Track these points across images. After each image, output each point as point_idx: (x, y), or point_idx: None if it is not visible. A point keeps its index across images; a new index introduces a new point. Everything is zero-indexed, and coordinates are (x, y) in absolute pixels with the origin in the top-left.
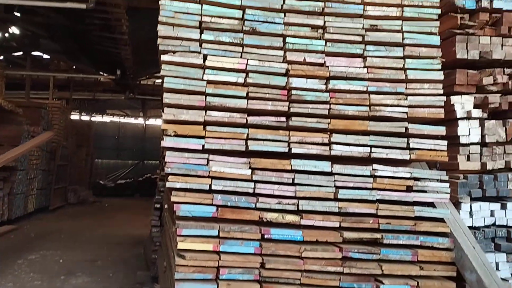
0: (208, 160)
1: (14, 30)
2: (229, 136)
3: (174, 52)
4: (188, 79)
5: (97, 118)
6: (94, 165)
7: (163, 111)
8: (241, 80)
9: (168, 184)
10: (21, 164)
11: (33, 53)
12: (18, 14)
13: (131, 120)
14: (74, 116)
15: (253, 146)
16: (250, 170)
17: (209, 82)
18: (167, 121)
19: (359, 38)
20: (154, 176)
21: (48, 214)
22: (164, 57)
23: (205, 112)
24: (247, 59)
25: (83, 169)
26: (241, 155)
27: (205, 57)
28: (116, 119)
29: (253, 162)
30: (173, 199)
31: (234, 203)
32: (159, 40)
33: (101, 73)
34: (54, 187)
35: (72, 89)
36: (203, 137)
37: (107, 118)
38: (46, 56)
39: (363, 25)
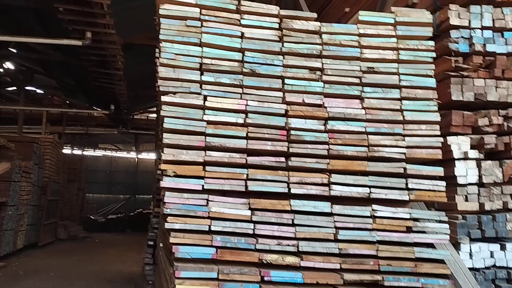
0: (207, 200)
1: (9, 65)
2: (229, 177)
3: (174, 93)
4: (188, 120)
5: (89, 152)
6: (85, 200)
7: (157, 148)
8: (241, 121)
9: (167, 225)
10: (11, 200)
11: (27, 87)
12: (13, 50)
13: (123, 154)
14: (66, 151)
15: (253, 186)
16: (249, 211)
17: (209, 122)
18: (167, 162)
19: (357, 80)
20: (146, 211)
21: (38, 250)
22: (164, 98)
23: (205, 153)
24: (247, 100)
25: (73, 204)
26: (241, 196)
27: (205, 98)
28: (108, 153)
29: (253, 203)
30: (172, 240)
31: (234, 245)
32: (159, 82)
33: (95, 108)
34: (44, 222)
35: (65, 124)
36: (202, 177)
37: (99, 153)
38: (39, 91)
39: (360, 67)
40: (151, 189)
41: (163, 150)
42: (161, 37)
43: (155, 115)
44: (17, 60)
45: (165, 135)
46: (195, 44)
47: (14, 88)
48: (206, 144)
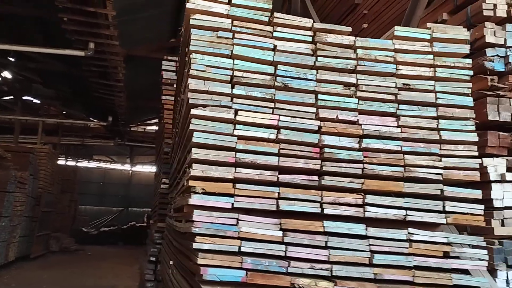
0: (237, 220)
1: (6, 74)
2: (259, 195)
3: (204, 106)
4: (218, 134)
5: (83, 163)
6: (77, 212)
7: (158, 162)
8: (272, 136)
9: (195, 245)
10: (5, 211)
11: (24, 97)
12: (11, 59)
13: (117, 166)
14: (60, 161)
15: (284, 205)
16: (281, 232)
17: (239, 137)
18: (195, 178)
19: (392, 97)
20: (139, 224)
21: (30, 262)
22: (194, 111)
23: (235, 169)
24: (279, 115)
25: (66, 215)
26: (272, 215)
27: (236, 112)
28: (102, 165)
29: (284, 223)
30: (200, 261)
31: (265, 267)
32: (189, 94)
33: (92, 119)
34: (36, 234)
35: (61, 134)
36: (232, 195)
37: (93, 164)
38: (36, 100)
39: (396, 84)
40: (145, 202)
41: (191, 165)
42: (191, 48)
43: (152, 127)
44: (15, 70)
45: (193, 150)
46: (226, 56)
47: (11, 97)
48: (236, 160)
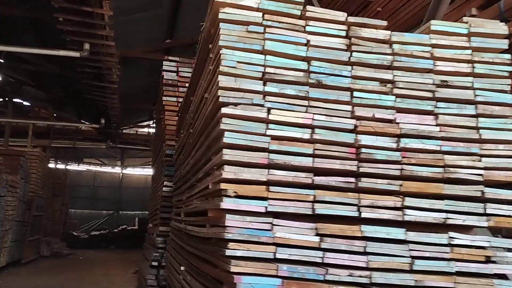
0: (272, 224)
1: None
2: (294, 198)
3: (235, 104)
4: (250, 134)
5: (73, 166)
6: (68, 216)
7: (154, 164)
8: (306, 136)
9: (228, 252)
10: None
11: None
12: (1, 61)
13: (107, 169)
14: (50, 165)
15: (320, 209)
16: (317, 237)
17: (272, 137)
18: (227, 180)
19: (430, 94)
20: (130, 227)
21: (21, 268)
22: (224, 110)
23: (268, 171)
24: (313, 114)
25: (57, 219)
26: (306, 219)
27: (268, 111)
28: (92, 168)
29: (320, 228)
30: (233, 269)
31: (301, 275)
32: (219, 92)
33: (83, 121)
34: (28, 238)
35: (52, 137)
36: (266, 199)
37: (83, 167)
38: (26, 103)
39: (433, 80)
40: (136, 205)
41: (221, 167)
42: (221, 43)
43: (144, 129)
44: (6, 72)
45: (224, 151)
46: (257, 52)
47: (1, 99)
48: (269, 162)
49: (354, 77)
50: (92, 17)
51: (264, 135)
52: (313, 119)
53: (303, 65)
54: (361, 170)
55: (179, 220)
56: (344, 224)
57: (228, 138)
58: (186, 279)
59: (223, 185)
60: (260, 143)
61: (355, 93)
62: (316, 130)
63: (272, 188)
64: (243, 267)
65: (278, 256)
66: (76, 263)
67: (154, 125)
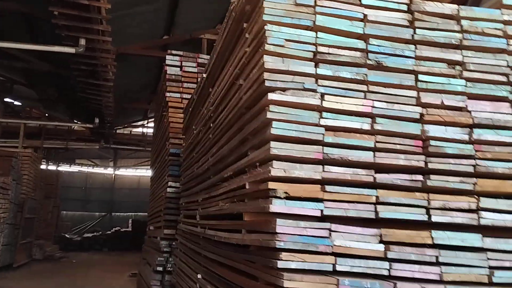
0: (330, 231)
1: None
2: (354, 199)
3: (284, 89)
4: (302, 124)
5: (65, 167)
6: (59, 218)
7: (153, 165)
8: (366, 127)
9: (280, 264)
10: None
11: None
12: None
13: (100, 170)
14: (42, 166)
15: (385, 212)
16: (382, 245)
17: (327, 128)
18: (276, 179)
19: (504, 78)
20: (124, 229)
21: (13, 272)
22: (272, 96)
23: (323, 167)
24: (373, 100)
25: (49, 222)
26: (367, 224)
27: (322, 97)
28: (84, 169)
29: (385, 234)
30: (287, 284)
31: None
32: (265, 75)
33: (76, 121)
34: (20, 242)
35: (43, 137)
36: (321, 200)
37: (74, 168)
38: (17, 102)
39: (508, 62)
40: (129, 206)
41: (266, 163)
42: (264, 17)
43: (138, 129)
44: None
45: (272, 143)
46: (307, 28)
47: None
48: (323, 157)
49: (418, 58)
50: (88, 11)
51: (318, 125)
52: (373, 107)
53: (360, 43)
54: (430, 166)
55: (193, 223)
56: (411, 230)
57: (276, 129)
58: None
59: (272, 185)
60: (313, 134)
61: (420, 77)
62: (377, 120)
63: (328, 188)
64: (298, 282)
65: (338, 268)
66: (69, 266)
67: (149, 124)
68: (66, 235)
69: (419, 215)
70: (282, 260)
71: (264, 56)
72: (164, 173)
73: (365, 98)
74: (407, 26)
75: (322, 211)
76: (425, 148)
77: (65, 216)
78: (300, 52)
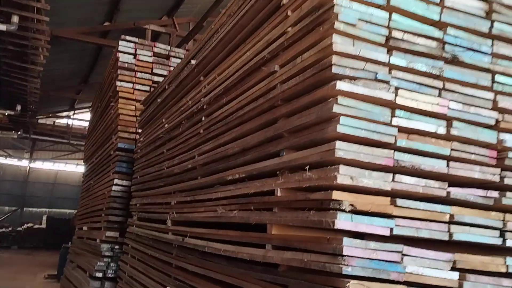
0: (402, 254)
1: None
2: (426, 217)
3: (354, 78)
4: (372, 123)
5: None
6: None
7: (86, 160)
8: (442, 131)
9: None
10: None
11: None
12: None
13: (12, 161)
14: None
15: (459, 234)
16: (457, 273)
17: (400, 129)
18: (341, 187)
19: None
20: (37, 226)
21: None
22: (340, 85)
23: (393, 176)
24: (449, 100)
25: None
26: (438, 248)
27: (396, 91)
28: None
29: (459, 260)
30: None
31: None
32: (334, 58)
33: None
34: None
35: None
36: (391, 216)
37: None
38: None
39: None
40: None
41: (330, 168)
42: None
43: (63, 120)
44: None
45: (338, 144)
46: (379, 7)
47: None
48: (394, 164)
49: (495, 55)
50: None
51: (390, 125)
52: (448, 108)
53: (436, 32)
54: (506, 181)
55: (158, 228)
56: (484, 255)
57: (343, 127)
58: None
59: (336, 195)
60: (385, 136)
61: (497, 77)
62: (454, 123)
63: (399, 202)
64: None
65: None
66: None
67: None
68: None
69: (493, 238)
70: None
71: (334, 35)
72: (107, 169)
73: (440, 96)
74: (484, 17)
75: (391, 229)
76: (501, 159)
77: None
78: (372, 36)
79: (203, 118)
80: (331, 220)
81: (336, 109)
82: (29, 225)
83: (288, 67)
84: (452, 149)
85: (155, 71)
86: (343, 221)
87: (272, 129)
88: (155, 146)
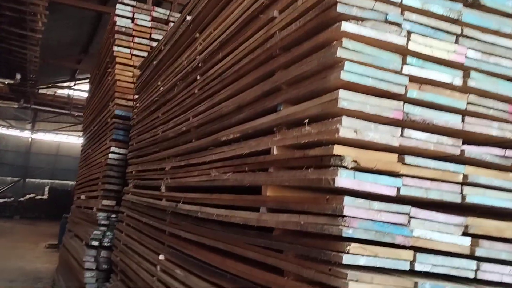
0: (409, 217)
1: None
2: (437, 177)
3: (362, 19)
4: (380, 70)
5: None
6: None
7: (85, 130)
8: (458, 82)
9: (346, 259)
10: None
11: None
12: None
13: (15, 132)
14: None
15: (472, 196)
16: (469, 239)
17: (411, 79)
18: (344, 142)
19: None
20: (39, 197)
21: None
22: (346, 26)
23: (402, 131)
24: (467, 48)
25: None
26: (449, 211)
27: (408, 35)
28: None
29: (472, 224)
30: (352, 286)
31: None
32: None
33: None
34: None
35: None
36: (399, 175)
37: None
38: None
39: None
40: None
41: (331, 120)
42: None
43: (64, 91)
44: None
45: (341, 93)
46: None
47: None
48: (403, 117)
49: None
50: None
51: (400, 73)
52: (466, 56)
53: None
54: None
55: (152, 195)
56: (499, 219)
57: (348, 74)
58: (173, 273)
59: (337, 149)
60: (394, 86)
61: None
62: (472, 74)
63: (408, 159)
64: (366, 284)
65: (417, 267)
66: None
67: (76, 87)
68: None
69: (510, 201)
70: (349, 253)
71: None
72: (104, 137)
73: (457, 43)
74: None
75: (398, 189)
76: None
77: None
78: None
79: (198, 77)
80: (331, 178)
81: (340, 53)
82: (31, 195)
83: (288, 11)
84: (468, 103)
85: (153, 36)
86: (344, 179)
87: (269, 82)
88: (150, 111)
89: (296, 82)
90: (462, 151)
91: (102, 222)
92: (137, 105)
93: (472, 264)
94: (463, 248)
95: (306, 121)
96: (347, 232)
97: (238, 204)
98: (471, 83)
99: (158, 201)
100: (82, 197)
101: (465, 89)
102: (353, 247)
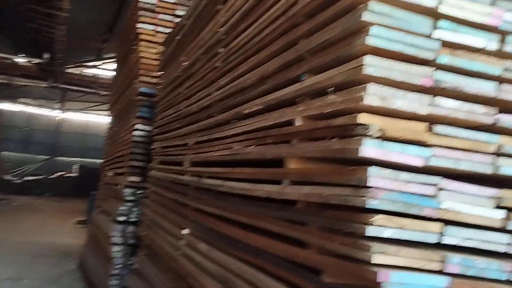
0: (438, 188)
1: None
2: (469, 147)
3: None
4: (409, 34)
5: (5, 105)
6: None
7: (113, 110)
8: (493, 46)
9: (370, 231)
10: None
11: None
12: None
13: (44, 111)
14: None
15: (506, 168)
16: (503, 212)
17: (443, 43)
18: (369, 110)
19: None
20: (68, 174)
21: None
22: None
23: (432, 99)
24: (504, 11)
25: None
26: (480, 183)
27: None
28: (28, 108)
29: (505, 196)
30: (376, 259)
31: (479, 272)
32: None
33: (24, 54)
34: None
35: None
36: (427, 145)
37: (16, 107)
38: None
39: None
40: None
41: (355, 88)
42: None
43: (90, 70)
44: None
45: (367, 59)
46: None
47: None
48: (433, 84)
49: None
50: None
51: (430, 37)
52: (502, 20)
53: None
54: None
55: (176, 170)
56: None
57: (374, 38)
58: (197, 247)
59: (362, 117)
60: (423, 51)
61: None
62: (508, 38)
63: (437, 129)
64: (391, 257)
65: (446, 240)
66: (9, 209)
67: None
68: (5, 177)
69: None
70: (372, 225)
71: None
72: (130, 115)
73: (493, 5)
74: None
75: (427, 159)
76: None
77: (5, 157)
78: None
79: (221, 50)
80: (355, 147)
81: (366, 16)
82: (61, 173)
83: None
84: (504, 69)
85: (177, 12)
86: (370, 148)
87: (293, 51)
88: (173, 87)
89: (320, 50)
90: (496, 120)
91: (129, 198)
92: (161, 81)
93: (504, 238)
94: (494, 221)
95: (331, 89)
96: (372, 203)
97: (260, 177)
98: (507, 48)
99: (181, 177)
100: (109, 174)
101: (500, 54)
102: (378, 218)
